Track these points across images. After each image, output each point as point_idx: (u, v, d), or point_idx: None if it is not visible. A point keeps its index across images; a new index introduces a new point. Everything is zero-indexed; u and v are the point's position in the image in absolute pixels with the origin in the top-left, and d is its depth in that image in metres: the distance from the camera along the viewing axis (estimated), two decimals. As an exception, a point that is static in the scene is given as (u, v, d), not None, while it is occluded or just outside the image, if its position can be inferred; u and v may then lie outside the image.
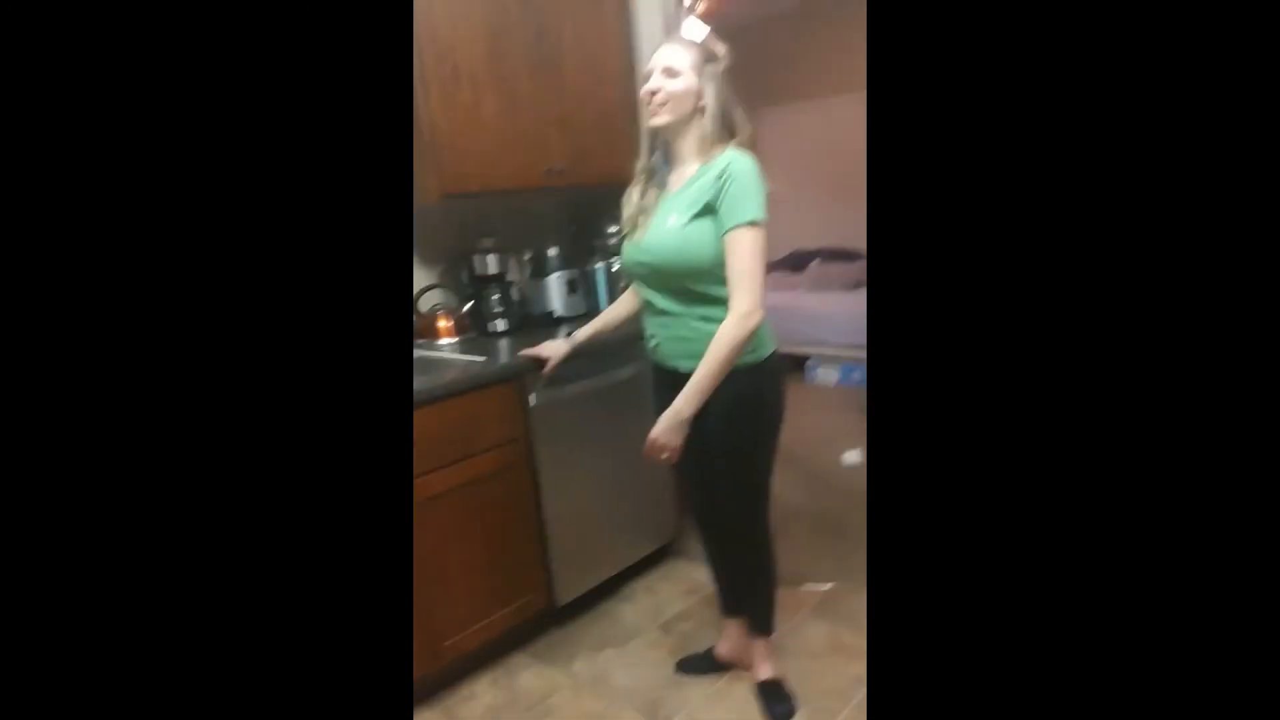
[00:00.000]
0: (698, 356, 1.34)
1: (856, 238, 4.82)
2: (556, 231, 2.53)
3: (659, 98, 1.33)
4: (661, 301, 1.41)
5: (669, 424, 1.34)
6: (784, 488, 1.89)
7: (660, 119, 1.34)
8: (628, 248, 1.44)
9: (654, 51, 1.36)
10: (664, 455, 1.37)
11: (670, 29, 2.23)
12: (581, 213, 2.54)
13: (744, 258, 1.27)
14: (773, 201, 1.32)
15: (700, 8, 2.19)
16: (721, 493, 1.51)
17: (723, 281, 1.32)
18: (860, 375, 4.10)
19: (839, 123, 4.90)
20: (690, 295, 1.37)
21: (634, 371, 2.10)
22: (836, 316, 4.15)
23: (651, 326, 1.47)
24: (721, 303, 1.33)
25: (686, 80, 1.32)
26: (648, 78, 1.35)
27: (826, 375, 4.25)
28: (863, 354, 4.05)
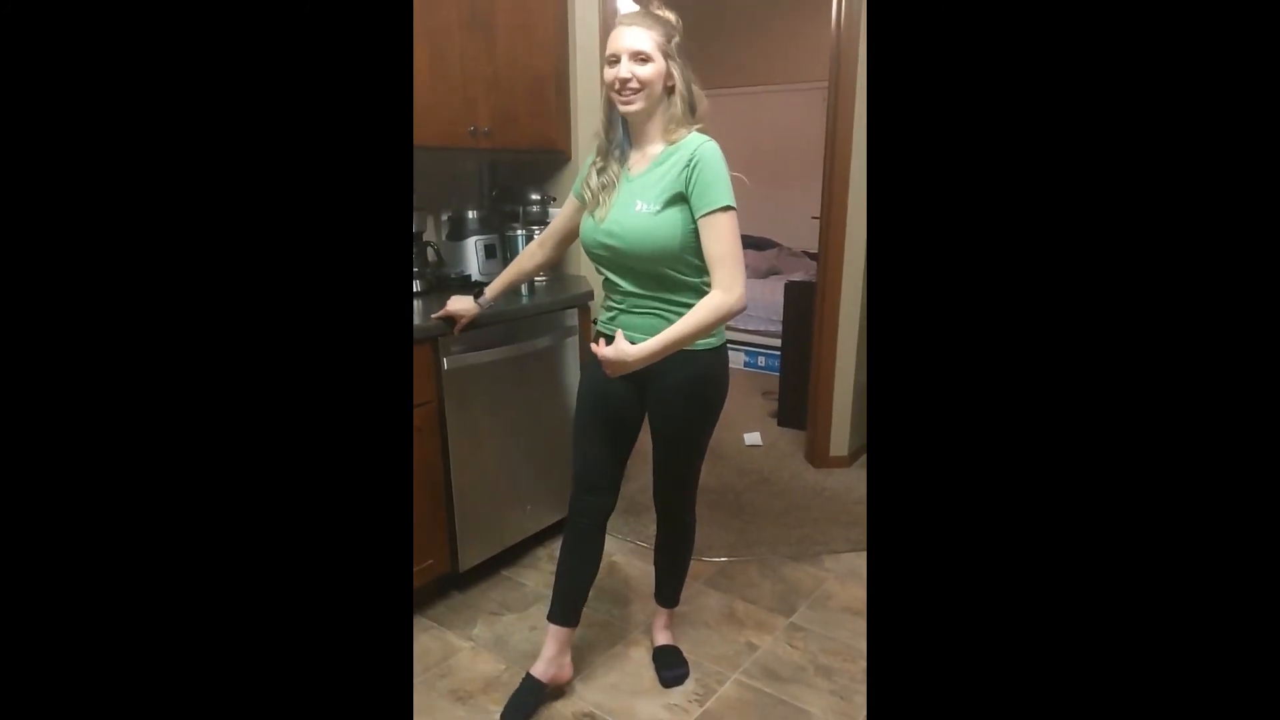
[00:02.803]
0: (654, 333, 1.34)
1: (772, 227, 4.96)
2: (478, 194, 2.48)
3: (632, 85, 1.30)
4: (624, 283, 1.41)
5: (619, 358, 1.31)
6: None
7: (635, 106, 1.32)
8: (588, 226, 1.42)
9: (591, 24, 1.32)
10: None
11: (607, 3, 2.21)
12: (504, 177, 2.50)
13: (725, 241, 1.29)
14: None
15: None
16: (668, 468, 1.57)
17: (689, 266, 1.35)
18: (764, 360, 4.25)
19: (760, 113, 5.00)
20: (655, 278, 1.37)
21: (549, 342, 2.11)
22: (748, 303, 4.26)
23: (610, 304, 1.47)
24: (685, 287, 1.37)
25: (656, 64, 1.30)
26: (613, 62, 1.32)
27: (733, 360, 4.39)
28: (769, 340, 4.20)
